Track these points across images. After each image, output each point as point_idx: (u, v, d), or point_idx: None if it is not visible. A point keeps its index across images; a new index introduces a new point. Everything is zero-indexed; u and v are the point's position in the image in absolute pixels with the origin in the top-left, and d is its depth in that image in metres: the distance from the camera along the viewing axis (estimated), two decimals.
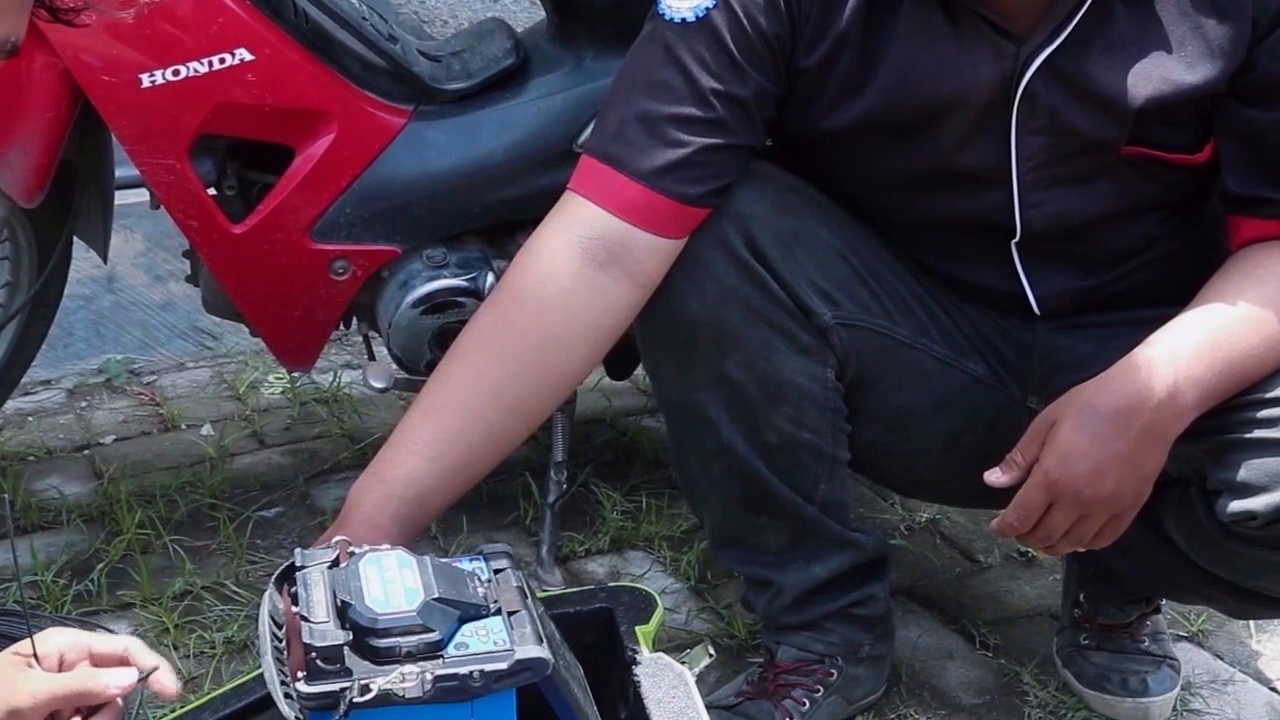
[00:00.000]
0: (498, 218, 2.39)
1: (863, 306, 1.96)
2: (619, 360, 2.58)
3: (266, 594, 1.51)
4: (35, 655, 1.35)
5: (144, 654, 1.40)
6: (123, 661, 1.39)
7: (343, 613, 1.41)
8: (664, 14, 1.87)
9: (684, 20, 1.85)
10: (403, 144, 2.34)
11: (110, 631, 1.43)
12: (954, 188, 1.93)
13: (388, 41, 2.34)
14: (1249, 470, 1.75)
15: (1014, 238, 1.94)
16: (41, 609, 2.30)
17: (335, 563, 1.50)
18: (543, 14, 2.56)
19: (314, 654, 1.38)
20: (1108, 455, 1.75)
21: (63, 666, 1.37)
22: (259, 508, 2.65)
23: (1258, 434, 1.76)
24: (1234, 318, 1.78)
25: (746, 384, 1.92)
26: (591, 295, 1.85)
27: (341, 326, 2.51)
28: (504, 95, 2.40)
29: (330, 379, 3.12)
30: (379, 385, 2.42)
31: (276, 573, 1.53)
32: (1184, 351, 1.76)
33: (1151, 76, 1.82)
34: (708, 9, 1.85)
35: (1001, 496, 1.85)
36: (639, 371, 2.77)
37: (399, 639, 1.40)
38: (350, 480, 1.83)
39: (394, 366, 2.44)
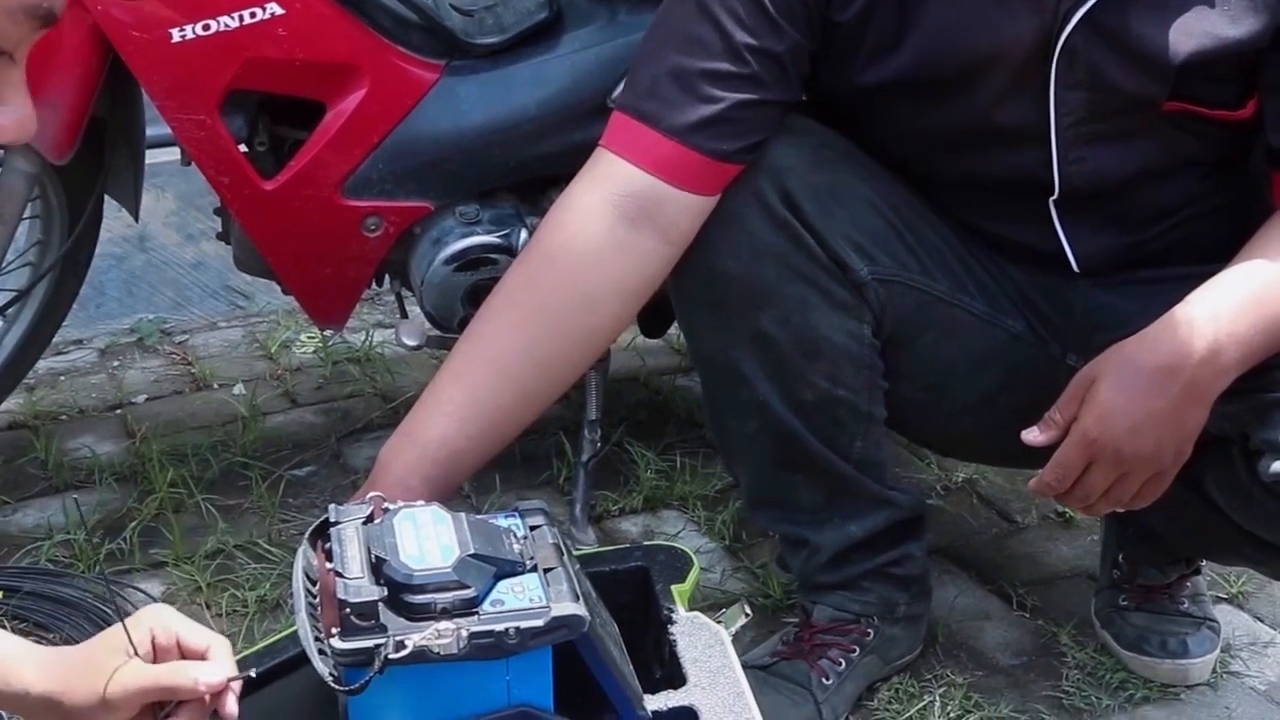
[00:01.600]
0: (531, 174, 2.38)
1: (900, 262, 1.93)
2: (653, 318, 2.57)
3: (300, 550, 1.50)
4: (131, 643, 1.34)
5: (225, 658, 1.37)
6: (205, 658, 1.37)
7: (377, 569, 1.41)
8: None
9: None
10: (435, 99, 2.32)
11: (209, 628, 1.40)
12: (992, 144, 1.90)
13: None
14: None
15: (1053, 195, 1.92)
16: (74, 567, 2.31)
17: (370, 519, 1.50)
18: None
19: (349, 610, 1.37)
20: (1148, 413, 1.73)
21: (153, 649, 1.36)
22: (291, 467, 2.65)
23: None
24: (1277, 274, 1.75)
25: (782, 340, 1.91)
26: (623, 253, 1.83)
27: (374, 284, 2.50)
28: (537, 50, 2.38)
29: (362, 337, 3.12)
30: (411, 343, 2.41)
31: (310, 529, 1.52)
32: (1226, 308, 1.73)
33: (1194, 31, 1.80)
34: None
35: (1039, 456, 1.83)
36: (673, 330, 2.75)
37: (434, 595, 1.39)
38: (382, 439, 1.82)
39: (426, 324, 2.43)
